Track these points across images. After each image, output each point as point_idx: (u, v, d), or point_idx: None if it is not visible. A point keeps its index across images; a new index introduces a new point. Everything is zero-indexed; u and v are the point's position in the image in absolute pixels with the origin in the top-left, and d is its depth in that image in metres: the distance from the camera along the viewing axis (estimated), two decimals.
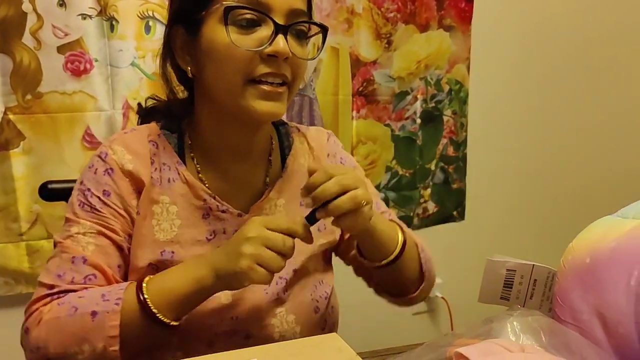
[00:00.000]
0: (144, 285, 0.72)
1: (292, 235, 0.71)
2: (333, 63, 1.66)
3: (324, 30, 0.80)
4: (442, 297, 1.94)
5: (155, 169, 0.80)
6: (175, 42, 0.80)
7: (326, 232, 0.88)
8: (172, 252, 0.79)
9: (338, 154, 0.94)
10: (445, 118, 1.88)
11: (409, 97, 1.80)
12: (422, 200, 1.90)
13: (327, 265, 0.92)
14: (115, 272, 0.78)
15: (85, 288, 0.75)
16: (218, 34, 0.74)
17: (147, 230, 0.79)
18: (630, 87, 2.12)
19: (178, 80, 0.85)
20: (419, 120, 1.83)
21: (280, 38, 0.73)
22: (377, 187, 1.80)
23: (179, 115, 0.85)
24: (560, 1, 1.96)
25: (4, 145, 1.34)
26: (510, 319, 0.63)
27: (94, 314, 0.70)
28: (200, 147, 0.83)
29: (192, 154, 0.83)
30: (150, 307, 0.70)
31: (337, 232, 0.90)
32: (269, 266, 0.69)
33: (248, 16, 0.73)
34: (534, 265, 0.73)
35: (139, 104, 0.90)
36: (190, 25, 0.77)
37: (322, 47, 0.81)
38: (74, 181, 1.04)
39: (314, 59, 0.78)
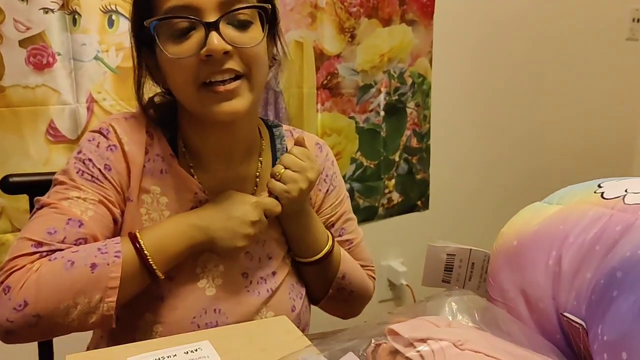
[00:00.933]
0: (140, 240, 0.74)
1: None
2: (297, 57, 1.69)
3: (262, 11, 0.77)
4: (407, 285, 1.99)
5: (149, 159, 0.82)
6: (148, 63, 0.82)
7: None
8: None
9: (326, 169, 0.94)
10: (408, 110, 1.92)
11: (373, 90, 1.84)
12: (386, 190, 1.95)
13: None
14: None
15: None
16: (161, 50, 0.76)
17: (136, 218, 0.80)
18: (584, 82, 2.19)
19: (165, 95, 0.86)
20: (382, 113, 1.87)
21: (213, 36, 0.72)
22: (343, 178, 1.83)
23: (172, 112, 0.86)
24: None
25: None
26: (448, 300, 0.67)
27: (93, 266, 0.70)
28: (189, 147, 0.85)
29: (184, 149, 0.84)
30: (150, 262, 0.74)
31: None
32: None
33: (182, 25, 0.73)
34: (471, 249, 0.78)
35: (151, 98, 0.89)
36: (149, 46, 0.79)
37: (265, 29, 0.77)
38: (35, 174, 1.06)
39: (259, 43, 0.76)
